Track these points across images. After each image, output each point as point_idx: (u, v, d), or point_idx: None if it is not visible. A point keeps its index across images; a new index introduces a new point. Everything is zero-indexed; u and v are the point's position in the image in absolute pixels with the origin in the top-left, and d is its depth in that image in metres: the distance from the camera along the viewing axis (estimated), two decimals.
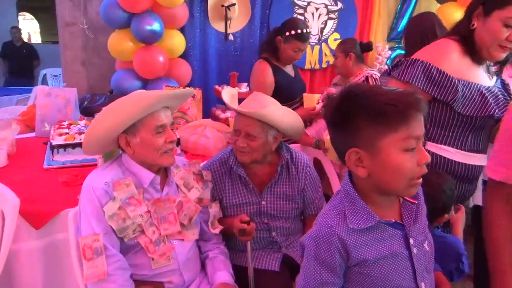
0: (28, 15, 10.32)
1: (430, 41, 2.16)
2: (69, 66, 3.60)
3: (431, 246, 1.03)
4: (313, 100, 2.25)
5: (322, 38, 3.69)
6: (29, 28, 10.58)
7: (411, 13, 3.84)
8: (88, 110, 2.81)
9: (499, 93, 1.52)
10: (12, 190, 1.49)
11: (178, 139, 2.04)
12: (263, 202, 1.65)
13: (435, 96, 1.45)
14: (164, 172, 1.47)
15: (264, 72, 2.36)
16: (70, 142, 2.13)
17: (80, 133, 2.23)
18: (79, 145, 2.10)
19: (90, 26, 3.47)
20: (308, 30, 2.34)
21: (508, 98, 1.54)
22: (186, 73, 3.28)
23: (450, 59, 1.45)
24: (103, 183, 1.31)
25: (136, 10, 2.92)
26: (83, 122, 2.50)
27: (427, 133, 1.52)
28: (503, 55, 1.44)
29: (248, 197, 1.65)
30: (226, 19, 3.29)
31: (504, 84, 1.60)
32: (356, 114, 0.89)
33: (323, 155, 2.26)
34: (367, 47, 2.60)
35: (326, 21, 3.66)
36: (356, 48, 2.52)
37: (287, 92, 2.35)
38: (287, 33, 2.30)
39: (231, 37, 3.40)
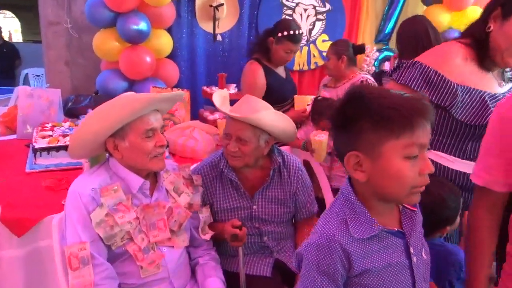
0: (8, 13, 10.08)
1: (423, 44, 2.18)
2: (52, 66, 3.50)
3: (428, 254, 1.01)
4: (304, 102, 2.24)
5: (311, 39, 3.68)
6: (10, 26, 10.32)
7: (398, 15, 3.88)
8: (72, 112, 2.74)
9: None
10: None
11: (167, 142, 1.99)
12: (255, 207, 1.62)
13: (432, 99, 1.41)
14: (153, 177, 1.43)
15: (256, 73, 2.33)
16: (53, 145, 2.06)
17: (64, 136, 2.16)
18: (63, 148, 2.04)
19: (74, 25, 3.39)
20: (300, 32, 2.32)
21: None
22: (173, 73, 3.23)
23: (451, 63, 1.41)
24: (90, 189, 1.26)
25: (122, 9, 2.86)
26: (67, 124, 2.43)
27: None
28: None
29: (239, 202, 1.62)
30: (215, 19, 3.25)
31: None
32: (359, 116, 0.86)
33: (312, 157, 2.24)
34: (360, 49, 2.58)
35: (314, 22, 3.66)
36: (349, 50, 2.50)
37: (278, 94, 2.32)
38: (279, 34, 2.28)
39: (219, 38, 3.37)
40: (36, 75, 6.05)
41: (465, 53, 1.41)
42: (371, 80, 2.51)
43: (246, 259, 1.63)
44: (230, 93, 2.83)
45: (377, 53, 3.79)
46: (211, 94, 3.13)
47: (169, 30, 3.21)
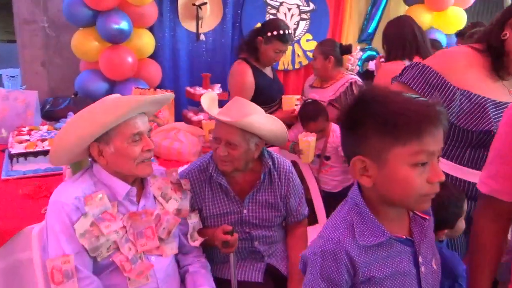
0: None
1: (411, 44, 2.18)
2: (28, 66, 3.36)
3: (439, 265, 0.98)
4: (291, 102, 2.20)
5: (295, 39, 3.65)
6: None
7: (381, 15, 3.89)
8: (50, 114, 2.63)
9: None
10: None
11: None
12: (245, 211, 1.58)
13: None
14: (140, 183, 1.36)
15: (244, 73, 2.28)
16: (31, 150, 1.97)
17: (43, 140, 2.06)
18: (41, 153, 1.95)
19: (51, 24, 3.26)
20: (289, 31, 2.29)
21: None
22: (155, 74, 3.14)
23: (454, 66, 1.38)
24: (73, 197, 1.19)
25: (102, 8, 2.76)
26: (45, 128, 2.33)
27: None
28: None
29: (229, 206, 1.57)
30: (198, 18, 3.18)
31: None
32: (365, 120, 0.82)
33: (299, 158, 2.21)
34: (347, 49, 2.55)
35: (298, 22, 3.63)
36: (336, 50, 2.47)
37: (266, 95, 2.28)
38: (269, 34, 2.24)
39: (202, 37, 3.30)
40: (11, 76, 5.85)
41: (474, 58, 1.38)
42: (360, 81, 2.49)
43: (237, 264, 1.59)
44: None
45: (361, 53, 3.79)
46: (194, 95, 3.07)
47: (151, 29, 3.11)
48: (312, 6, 3.64)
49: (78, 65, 3.12)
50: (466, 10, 3.85)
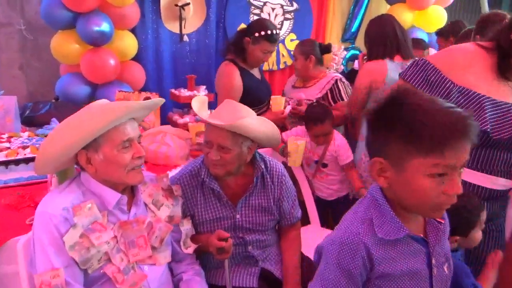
0: None
1: (391, 42, 2.19)
2: (5, 70, 3.25)
3: (451, 270, 0.98)
4: (280, 103, 2.18)
5: (279, 39, 3.64)
6: None
7: (364, 14, 3.92)
8: (31, 120, 2.54)
9: None
10: None
11: None
12: (238, 216, 1.55)
13: None
14: (130, 191, 1.32)
15: (232, 75, 2.25)
16: (12, 158, 1.89)
17: (24, 147, 1.99)
18: (23, 161, 1.88)
19: (28, 27, 3.16)
20: (277, 31, 2.27)
21: None
22: (139, 76, 3.08)
23: (456, 63, 1.38)
24: (61, 208, 1.14)
25: (82, 9, 2.69)
26: (26, 134, 2.25)
27: None
28: None
29: (222, 212, 1.54)
30: (181, 19, 3.13)
31: None
32: (391, 124, 0.81)
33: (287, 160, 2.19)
34: (326, 49, 2.56)
35: (282, 22, 3.62)
36: (315, 50, 2.47)
37: (254, 96, 2.25)
38: (256, 34, 2.21)
39: (186, 38, 3.25)
40: None
41: (479, 56, 1.37)
42: (344, 79, 2.50)
43: (231, 270, 1.56)
44: None
45: (345, 52, 3.81)
46: (179, 97, 3.02)
47: (133, 31, 3.05)
48: (295, 5, 3.64)
49: (58, 69, 3.03)
50: (446, 9, 3.91)
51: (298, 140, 2.08)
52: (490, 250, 1.42)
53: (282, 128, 2.32)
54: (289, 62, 3.69)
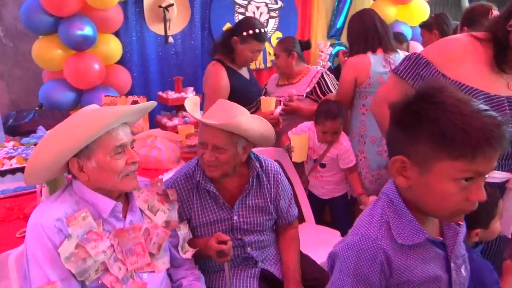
0: None
1: (372, 36, 2.19)
2: None
3: (468, 271, 0.94)
4: (270, 104, 2.15)
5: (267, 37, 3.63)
6: None
7: (348, 10, 3.93)
8: (15, 129, 2.46)
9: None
10: None
11: None
12: (235, 217, 1.53)
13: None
14: (124, 197, 1.28)
15: (219, 75, 2.21)
16: None
17: (10, 158, 1.92)
18: (10, 172, 1.82)
19: (7, 33, 3.07)
20: (265, 30, 2.24)
21: None
22: (125, 80, 3.03)
23: (450, 57, 1.34)
24: (54, 219, 1.09)
25: (63, 14, 2.62)
26: (10, 144, 2.18)
27: None
28: None
29: (219, 214, 1.52)
30: (165, 20, 3.09)
31: None
32: (421, 123, 0.75)
33: (285, 158, 2.17)
34: (307, 45, 2.57)
35: (267, 20, 3.61)
36: (296, 46, 2.47)
37: (242, 96, 2.22)
38: (245, 33, 2.18)
39: (171, 40, 3.20)
40: None
41: (473, 48, 1.33)
42: (328, 72, 2.50)
43: (231, 273, 1.53)
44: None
45: (331, 48, 3.81)
46: (167, 99, 2.98)
47: (117, 34, 2.99)
48: (280, 3, 3.63)
49: (41, 75, 2.95)
50: (428, 2, 3.95)
51: (299, 135, 2.07)
52: (488, 243, 1.43)
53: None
54: None
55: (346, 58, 2.37)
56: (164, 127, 2.84)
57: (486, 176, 0.77)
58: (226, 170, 1.45)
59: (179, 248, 1.41)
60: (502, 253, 1.48)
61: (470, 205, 0.78)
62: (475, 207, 0.78)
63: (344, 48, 3.91)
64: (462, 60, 1.32)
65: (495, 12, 2.04)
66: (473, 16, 2.10)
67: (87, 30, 2.67)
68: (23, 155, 2.00)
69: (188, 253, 1.42)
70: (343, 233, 2.15)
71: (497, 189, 1.32)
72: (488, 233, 1.25)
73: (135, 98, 2.63)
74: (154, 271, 1.28)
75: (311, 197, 2.30)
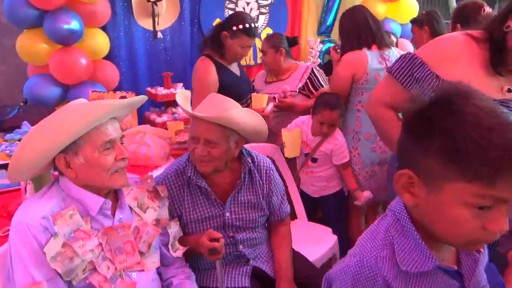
0: None
1: (364, 33, 2.18)
2: None
3: None
4: (262, 101, 2.13)
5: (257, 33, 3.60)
6: None
7: (338, 7, 3.92)
8: None
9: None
10: None
11: None
12: (227, 214, 1.50)
13: (411, 91, 1.33)
14: (113, 194, 1.25)
15: (207, 70, 2.18)
16: None
17: None
18: None
19: None
20: (256, 25, 2.21)
21: None
22: (113, 75, 2.96)
23: (444, 57, 1.30)
24: (40, 217, 1.06)
25: (49, 7, 2.55)
26: None
27: None
28: None
29: (211, 210, 1.49)
30: (154, 15, 3.03)
31: None
32: (433, 134, 0.63)
33: (278, 154, 2.15)
34: (294, 41, 2.56)
35: (258, 16, 3.58)
36: (284, 42, 2.46)
37: (232, 92, 2.17)
38: (234, 28, 2.14)
39: (160, 35, 3.15)
40: None
41: (469, 48, 1.26)
42: (317, 67, 2.50)
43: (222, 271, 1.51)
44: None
45: (321, 45, 3.80)
46: (156, 95, 2.93)
47: (104, 28, 2.93)
48: (270, 0, 3.60)
49: (25, 70, 2.87)
50: (417, 0, 3.97)
51: (291, 130, 2.06)
52: None
53: None
54: None
55: (338, 54, 2.36)
56: (153, 124, 2.79)
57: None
58: (218, 166, 1.42)
59: (170, 246, 1.38)
60: (497, 244, 1.47)
61: (489, 236, 0.64)
62: (496, 237, 0.64)
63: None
64: (457, 60, 1.28)
65: (487, 9, 2.05)
66: (465, 13, 2.10)
67: (74, 24, 2.60)
68: (7, 151, 1.94)
69: (178, 251, 1.39)
70: (335, 231, 2.15)
71: None
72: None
73: (124, 93, 2.57)
74: (143, 270, 1.25)
75: (303, 195, 2.28)
